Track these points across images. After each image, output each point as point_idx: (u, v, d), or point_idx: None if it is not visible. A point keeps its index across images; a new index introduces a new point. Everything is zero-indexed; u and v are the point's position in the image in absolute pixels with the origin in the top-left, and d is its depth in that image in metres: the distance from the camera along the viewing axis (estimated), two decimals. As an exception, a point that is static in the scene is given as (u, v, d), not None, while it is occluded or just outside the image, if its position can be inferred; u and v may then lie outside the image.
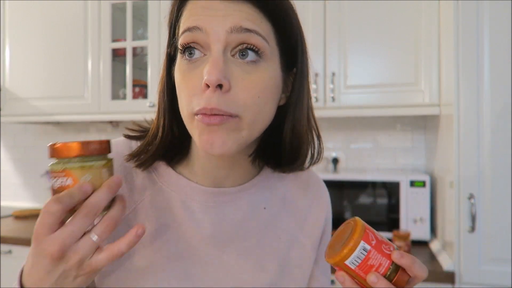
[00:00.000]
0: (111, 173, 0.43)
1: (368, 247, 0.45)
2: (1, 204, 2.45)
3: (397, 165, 1.88)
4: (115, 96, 1.97)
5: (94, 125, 2.33)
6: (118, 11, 1.97)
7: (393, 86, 1.55)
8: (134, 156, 0.54)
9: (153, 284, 0.51)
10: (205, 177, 0.55)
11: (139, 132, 0.57)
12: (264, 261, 0.56)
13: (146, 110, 1.81)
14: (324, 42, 1.61)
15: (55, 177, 0.39)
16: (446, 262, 1.28)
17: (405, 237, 1.40)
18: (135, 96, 1.95)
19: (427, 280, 1.24)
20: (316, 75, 1.60)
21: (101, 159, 0.42)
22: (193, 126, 0.47)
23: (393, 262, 0.45)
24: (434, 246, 1.49)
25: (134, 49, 1.94)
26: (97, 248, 0.41)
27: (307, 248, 0.60)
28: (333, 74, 1.60)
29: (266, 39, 0.47)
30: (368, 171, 1.77)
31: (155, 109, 0.54)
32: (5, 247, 1.70)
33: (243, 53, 0.46)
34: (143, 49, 1.98)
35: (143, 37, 2.02)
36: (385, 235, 1.64)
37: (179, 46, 0.47)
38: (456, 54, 1.23)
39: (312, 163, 0.57)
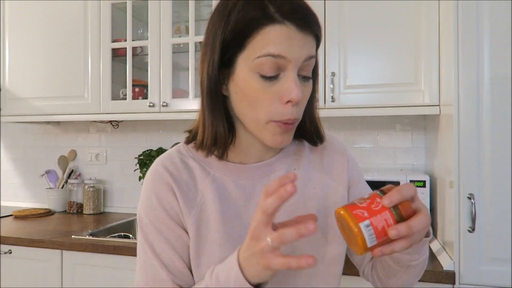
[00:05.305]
0: None
1: (367, 222, 0.50)
2: (1, 204, 2.46)
3: (397, 165, 1.88)
4: (115, 96, 1.97)
5: (94, 125, 2.33)
6: (118, 11, 1.97)
7: (393, 86, 1.55)
8: (200, 145, 0.66)
9: (228, 253, 0.60)
10: (251, 156, 0.68)
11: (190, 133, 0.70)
12: (307, 212, 0.65)
13: (146, 110, 1.81)
14: (324, 42, 1.61)
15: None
16: (446, 262, 1.28)
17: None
18: (135, 96, 1.95)
19: (427, 280, 1.24)
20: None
21: None
22: (265, 129, 0.61)
23: (390, 207, 0.50)
24: (434, 246, 1.49)
25: (134, 49, 1.94)
26: (276, 251, 0.49)
27: (339, 190, 0.72)
28: (333, 74, 1.60)
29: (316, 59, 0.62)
30: (368, 171, 1.77)
31: (200, 108, 0.64)
32: (5, 247, 1.69)
33: (306, 75, 0.60)
34: (143, 49, 1.98)
35: (143, 37, 2.02)
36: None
37: (260, 68, 0.57)
38: (456, 54, 1.23)
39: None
